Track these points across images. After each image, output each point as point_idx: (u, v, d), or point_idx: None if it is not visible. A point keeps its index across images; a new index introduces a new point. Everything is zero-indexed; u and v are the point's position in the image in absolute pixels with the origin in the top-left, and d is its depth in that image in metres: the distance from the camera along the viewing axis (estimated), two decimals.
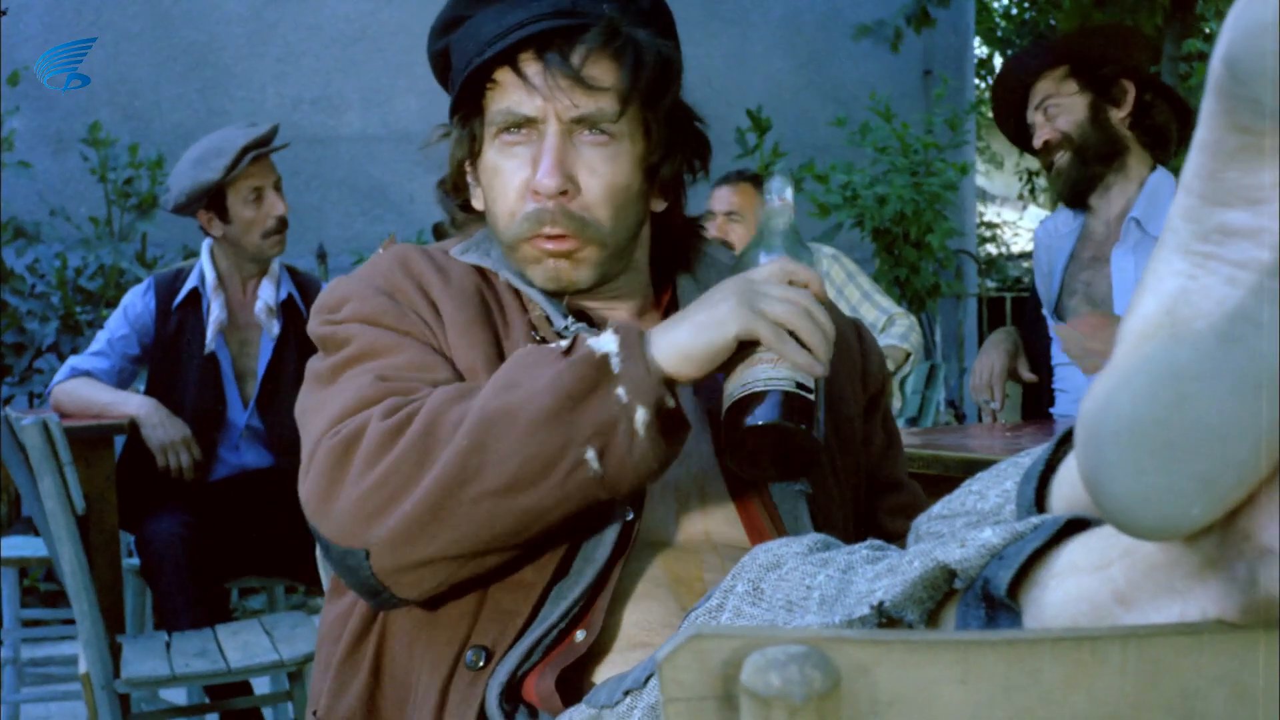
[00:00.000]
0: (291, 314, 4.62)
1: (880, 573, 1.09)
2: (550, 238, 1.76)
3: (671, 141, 1.85)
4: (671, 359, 1.53)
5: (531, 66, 1.75)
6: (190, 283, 4.58)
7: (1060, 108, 3.75)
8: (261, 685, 4.35)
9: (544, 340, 1.76)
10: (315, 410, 1.70)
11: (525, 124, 1.76)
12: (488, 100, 1.79)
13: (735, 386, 1.57)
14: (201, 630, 3.80)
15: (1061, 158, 3.75)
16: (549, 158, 1.74)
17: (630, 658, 1.61)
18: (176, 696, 4.59)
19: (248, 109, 8.57)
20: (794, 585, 1.19)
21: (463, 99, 1.81)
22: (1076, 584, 0.94)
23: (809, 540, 1.27)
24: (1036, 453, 1.18)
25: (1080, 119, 3.73)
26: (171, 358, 4.55)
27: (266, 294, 4.58)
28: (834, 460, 1.86)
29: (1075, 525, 0.99)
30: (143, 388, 4.64)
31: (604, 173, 1.77)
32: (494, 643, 1.62)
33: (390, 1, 8.93)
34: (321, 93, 8.95)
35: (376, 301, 1.76)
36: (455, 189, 1.92)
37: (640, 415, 1.50)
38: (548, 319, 1.79)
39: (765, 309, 1.54)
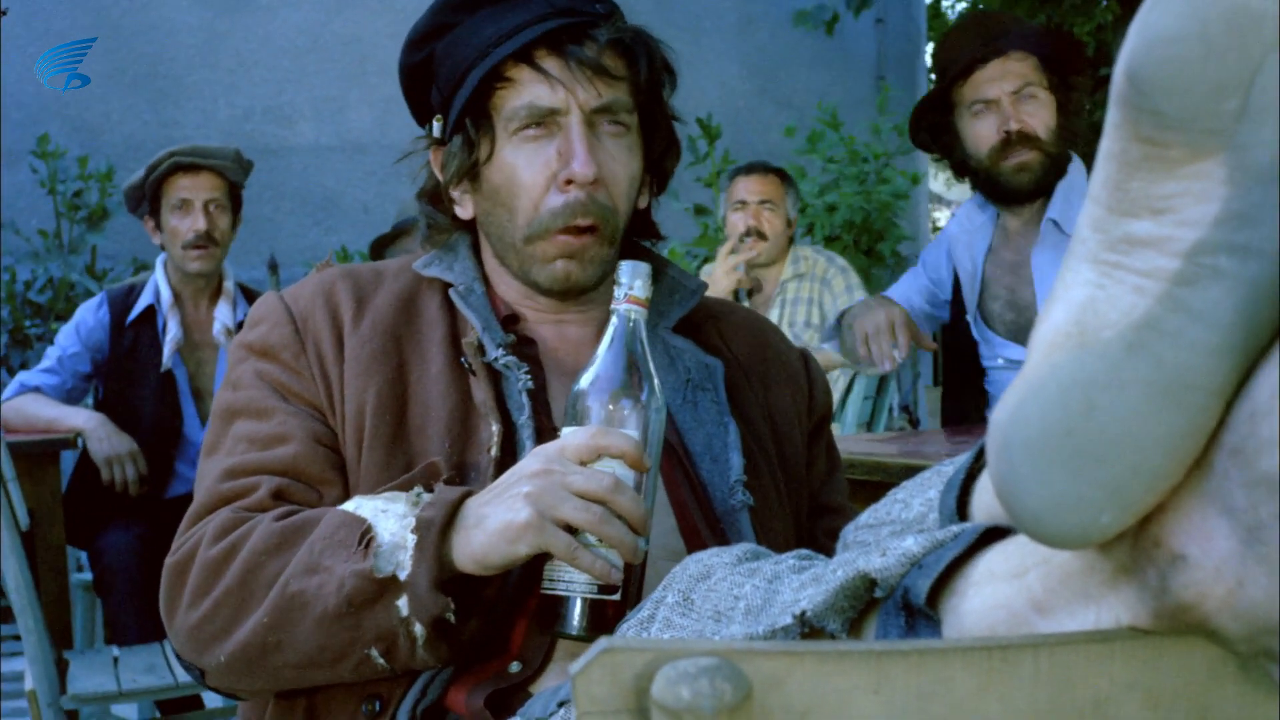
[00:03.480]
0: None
1: (805, 582, 1.09)
2: (579, 230, 1.78)
3: (669, 137, 1.90)
4: (468, 564, 1.54)
5: (549, 61, 1.77)
6: (145, 299, 4.58)
7: (1038, 101, 3.52)
8: (213, 700, 4.33)
9: (471, 368, 1.78)
10: (198, 479, 1.79)
11: (547, 117, 1.78)
12: (499, 100, 1.80)
13: (544, 577, 1.56)
14: (150, 645, 3.79)
15: (1026, 156, 3.51)
16: (581, 146, 1.77)
17: (567, 668, 1.61)
18: (129, 712, 4.57)
19: (199, 120, 8.54)
20: (722, 595, 1.19)
21: (469, 102, 1.80)
22: (994, 592, 0.94)
23: (739, 550, 1.27)
24: (959, 461, 1.18)
25: (1052, 124, 3.53)
26: (126, 374, 4.55)
27: (223, 315, 4.59)
28: (777, 477, 1.89)
29: (995, 533, 1.00)
30: (93, 402, 4.63)
31: (625, 162, 1.82)
32: (387, 691, 1.64)
33: (341, 12, 8.90)
34: (273, 103, 8.91)
35: (282, 333, 1.80)
36: (443, 199, 1.92)
37: (418, 630, 1.53)
38: (481, 346, 1.79)
39: (562, 515, 1.50)
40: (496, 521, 1.51)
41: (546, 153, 1.78)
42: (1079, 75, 3.58)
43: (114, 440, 4.36)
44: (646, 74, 1.82)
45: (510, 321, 1.87)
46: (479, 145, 1.81)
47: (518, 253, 1.83)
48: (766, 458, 1.88)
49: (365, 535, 1.54)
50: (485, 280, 1.90)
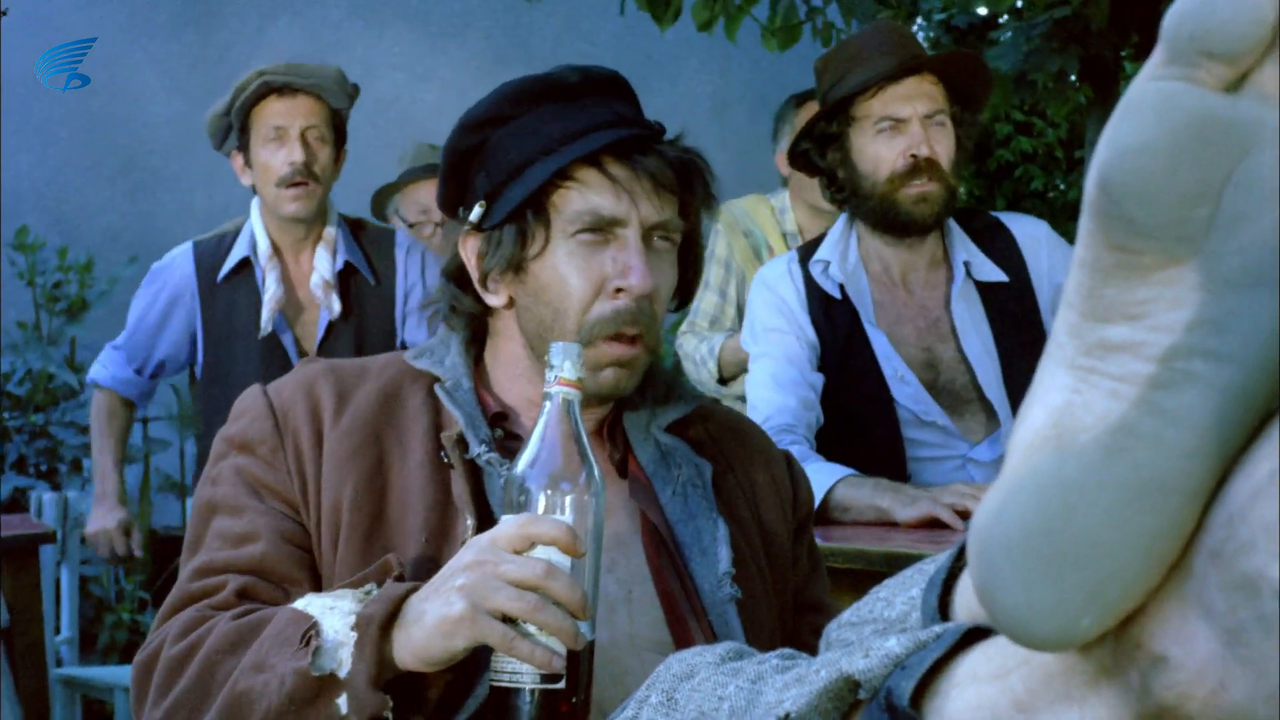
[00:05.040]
0: (352, 285, 3.99)
1: (788, 683, 1.09)
2: (627, 339, 1.80)
3: (699, 260, 1.95)
4: (410, 661, 1.54)
5: (616, 168, 1.79)
6: (239, 251, 3.97)
7: (945, 130, 3.23)
8: None
9: (450, 462, 1.77)
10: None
11: (607, 225, 1.79)
12: (559, 198, 1.80)
13: (491, 669, 1.54)
14: None
15: (929, 186, 3.19)
16: (640, 260, 1.79)
17: None
18: None
19: (177, 211, 8.55)
20: (706, 695, 1.19)
21: (530, 196, 1.81)
22: (976, 693, 0.94)
23: (722, 649, 1.27)
24: (941, 559, 1.19)
25: (953, 157, 3.23)
26: (225, 343, 3.98)
27: (321, 265, 3.96)
28: (764, 573, 1.90)
29: (977, 633, 1.00)
30: (189, 381, 4.26)
31: (670, 278, 1.86)
32: None
33: None
34: (251, 195, 8.92)
35: (262, 427, 1.81)
36: (470, 282, 1.91)
37: None
38: (462, 441, 1.79)
39: (495, 605, 1.48)
40: (433, 617, 1.51)
41: (601, 259, 1.80)
42: (977, 113, 3.36)
43: (107, 516, 4.06)
44: (700, 194, 1.86)
45: (498, 419, 1.87)
46: (532, 239, 1.82)
47: None
48: (754, 553, 1.89)
49: (308, 633, 1.55)
50: (477, 377, 1.91)
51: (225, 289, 3.95)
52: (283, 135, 3.84)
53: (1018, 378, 3.24)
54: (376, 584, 1.63)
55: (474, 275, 1.88)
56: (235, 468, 1.80)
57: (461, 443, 1.79)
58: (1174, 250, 0.81)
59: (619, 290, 1.79)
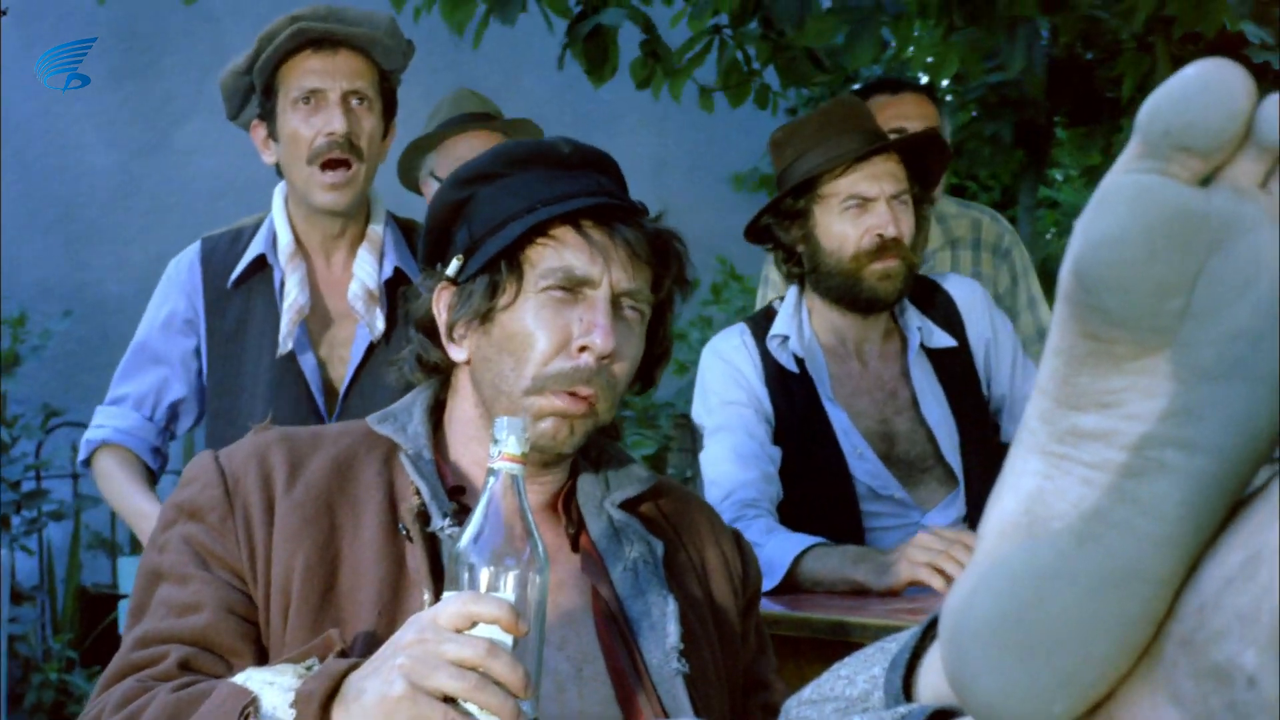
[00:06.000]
0: (401, 300, 2.86)
1: None
2: (579, 397, 1.81)
3: (666, 343, 1.96)
4: None
5: (595, 231, 1.82)
6: (256, 248, 3.15)
7: (908, 209, 3.22)
8: None
9: (408, 534, 1.77)
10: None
11: (579, 284, 1.81)
12: (535, 254, 1.83)
13: None
14: None
15: (893, 263, 3.16)
16: (606, 319, 1.80)
17: None
18: None
19: (113, 263, 8.48)
20: None
21: (506, 249, 1.82)
22: None
23: None
24: (903, 638, 1.19)
25: (913, 236, 3.23)
26: (230, 366, 3.17)
27: (364, 270, 3.12)
28: (715, 650, 1.90)
29: (942, 715, 1.00)
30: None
31: (635, 345, 1.87)
32: None
33: (257, 156, 8.88)
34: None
35: (212, 495, 1.79)
36: (439, 336, 1.91)
37: None
38: (423, 513, 1.78)
39: (435, 684, 1.46)
40: (372, 695, 1.48)
41: (568, 316, 1.81)
42: (932, 190, 3.40)
43: None
44: (674, 270, 1.89)
45: (455, 493, 1.86)
46: (503, 290, 1.83)
47: (511, 403, 1.82)
48: (705, 630, 1.88)
49: (246, 709, 1.53)
50: (435, 447, 1.90)
51: (238, 296, 3.15)
52: (319, 99, 3.06)
53: (972, 442, 3.30)
54: (319, 659, 1.62)
55: (442, 327, 1.89)
56: (183, 535, 1.78)
57: (422, 515, 1.78)
58: (1147, 340, 0.82)
59: (582, 349, 1.80)
